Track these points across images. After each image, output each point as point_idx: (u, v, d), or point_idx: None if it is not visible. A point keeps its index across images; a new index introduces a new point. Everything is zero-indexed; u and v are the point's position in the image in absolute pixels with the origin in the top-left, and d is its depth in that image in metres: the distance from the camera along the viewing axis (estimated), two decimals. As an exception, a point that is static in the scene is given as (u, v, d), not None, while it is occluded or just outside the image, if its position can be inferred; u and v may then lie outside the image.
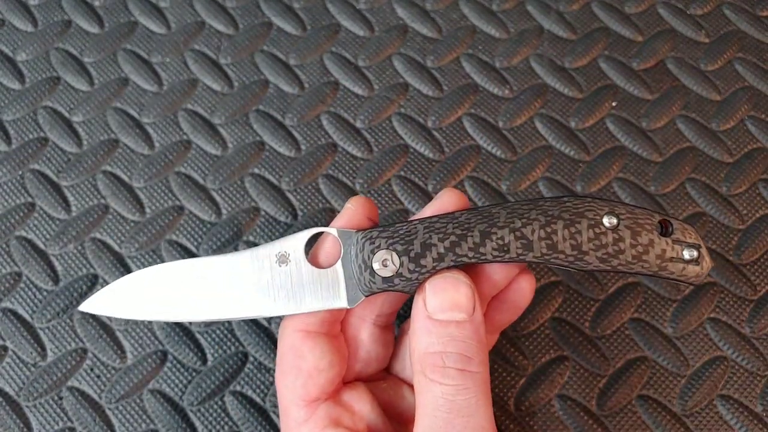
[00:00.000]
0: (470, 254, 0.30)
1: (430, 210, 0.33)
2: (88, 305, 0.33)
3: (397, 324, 0.38)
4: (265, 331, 0.40)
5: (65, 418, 0.39)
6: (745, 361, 0.40)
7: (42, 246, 0.42)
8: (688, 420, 0.39)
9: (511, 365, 0.40)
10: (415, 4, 0.49)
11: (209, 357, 0.40)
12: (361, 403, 0.33)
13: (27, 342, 0.40)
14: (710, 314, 0.41)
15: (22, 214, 0.43)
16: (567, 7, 0.49)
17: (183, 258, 0.42)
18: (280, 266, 0.32)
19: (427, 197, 0.44)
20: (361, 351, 0.34)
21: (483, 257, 0.30)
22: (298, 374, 0.32)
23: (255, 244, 0.42)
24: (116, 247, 0.42)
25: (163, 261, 0.42)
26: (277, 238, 0.37)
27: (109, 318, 0.40)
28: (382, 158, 0.45)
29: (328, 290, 0.32)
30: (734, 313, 0.41)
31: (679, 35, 0.48)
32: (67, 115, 0.45)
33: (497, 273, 0.33)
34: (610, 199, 0.31)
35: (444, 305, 0.30)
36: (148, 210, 0.43)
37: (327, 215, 0.43)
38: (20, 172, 0.44)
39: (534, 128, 0.46)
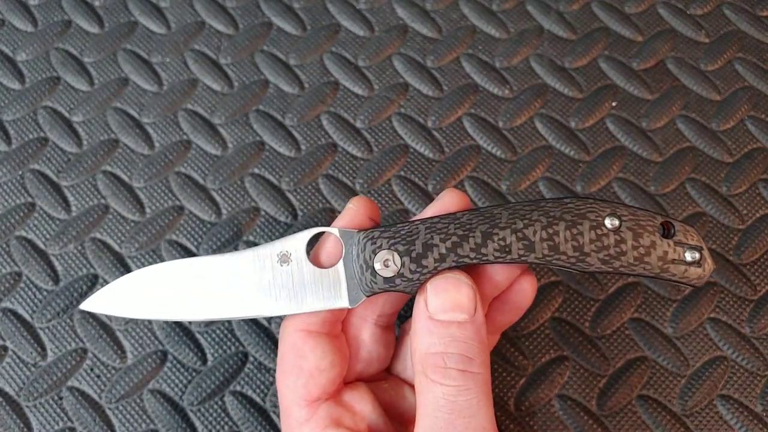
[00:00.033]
0: (472, 255, 0.30)
1: (431, 210, 0.33)
2: (89, 304, 0.33)
3: (397, 324, 0.38)
4: (265, 331, 0.40)
5: (65, 418, 0.39)
6: (745, 361, 0.40)
7: (42, 246, 0.42)
8: (688, 420, 0.39)
9: (511, 365, 0.40)
10: (415, 4, 0.49)
11: (209, 357, 0.40)
12: (362, 404, 0.33)
13: (27, 342, 0.40)
14: (710, 314, 0.41)
15: (22, 214, 0.43)
16: (567, 7, 0.49)
17: (183, 258, 0.42)
18: (281, 266, 0.32)
19: (427, 197, 0.44)
20: (363, 351, 0.34)
21: (484, 258, 0.30)
22: (300, 374, 0.32)
23: (255, 244, 0.42)
24: (116, 247, 0.42)
25: (163, 261, 0.42)
26: (278, 238, 0.37)
27: (109, 318, 0.40)
28: (382, 158, 0.45)
29: (329, 290, 0.32)
30: (734, 313, 0.41)
31: (679, 35, 0.48)
32: (67, 115, 0.45)
33: (499, 274, 0.33)
34: (612, 201, 0.31)
35: (445, 306, 0.30)
36: (148, 210, 0.43)
37: (327, 215, 0.43)
38: (20, 172, 0.44)
39: (534, 128, 0.46)
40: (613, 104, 0.46)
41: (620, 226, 0.30)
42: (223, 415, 0.39)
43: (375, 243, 0.31)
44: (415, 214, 0.43)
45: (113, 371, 0.40)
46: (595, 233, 0.30)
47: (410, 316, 0.32)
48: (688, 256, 0.30)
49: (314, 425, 0.31)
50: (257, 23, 0.48)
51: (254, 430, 0.39)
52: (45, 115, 0.45)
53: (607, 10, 0.49)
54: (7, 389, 0.39)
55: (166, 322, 0.40)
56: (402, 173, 0.44)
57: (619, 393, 0.40)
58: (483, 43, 0.48)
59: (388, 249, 0.31)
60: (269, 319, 0.41)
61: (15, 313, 0.41)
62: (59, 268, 0.42)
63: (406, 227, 0.31)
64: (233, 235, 0.42)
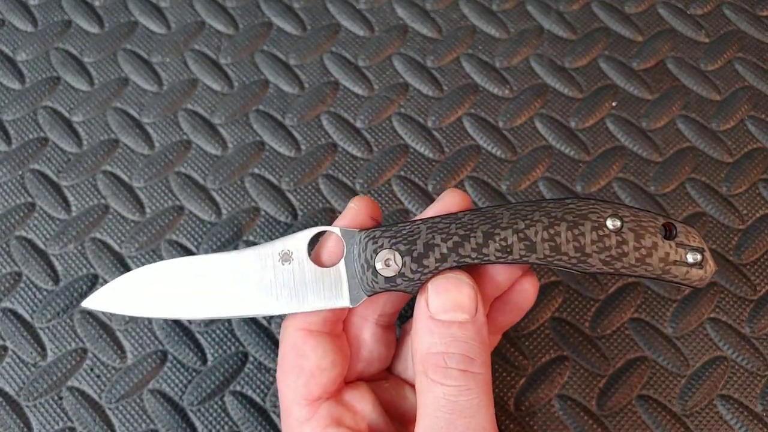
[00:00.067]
0: (473, 255, 0.30)
1: (433, 210, 0.33)
2: (91, 302, 0.33)
3: (398, 324, 0.38)
4: (265, 331, 0.40)
5: (65, 418, 0.39)
6: (745, 361, 0.40)
7: (42, 246, 0.42)
8: (688, 420, 0.39)
9: (511, 365, 0.40)
10: (415, 4, 0.49)
11: (209, 357, 0.40)
12: (362, 403, 0.33)
13: (27, 342, 0.40)
14: (710, 314, 0.41)
15: (22, 214, 0.43)
16: (567, 7, 0.49)
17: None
18: (283, 265, 0.32)
19: (427, 197, 0.44)
20: (363, 351, 0.34)
21: (486, 258, 0.30)
22: (300, 373, 0.32)
23: (255, 244, 0.42)
24: (116, 247, 0.42)
25: (163, 261, 0.42)
26: (278, 237, 0.37)
27: (109, 318, 0.40)
28: (382, 158, 0.45)
29: (330, 289, 0.32)
30: (734, 313, 0.41)
31: (679, 35, 0.48)
32: (67, 115, 0.45)
33: (500, 274, 0.33)
34: (613, 202, 0.31)
35: (446, 306, 0.30)
36: (148, 210, 0.43)
37: (327, 215, 0.43)
38: (20, 172, 0.44)
39: (534, 128, 0.46)
40: (613, 104, 0.46)
41: (622, 227, 0.30)
42: (223, 415, 0.39)
43: (376, 242, 0.31)
44: (415, 214, 0.43)
45: (113, 371, 0.40)
46: (597, 234, 0.30)
47: (411, 316, 0.32)
48: (690, 258, 0.30)
49: (315, 424, 0.31)
50: (257, 23, 0.48)
51: (254, 430, 0.39)
52: (45, 115, 0.45)
53: (607, 10, 0.49)
54: (7, 389, 0.39)
55: (166, 322, 0.40)
56: (402, 173, 0.44)
57: (619, 393, 0.39)
58: (483, 43, 0.48)
59: (390, 248, 0.31)
60: (269, 319, 0.41)
61: (15, 313, 0.41)
62: (59, 268, 0.42)
63: (408, 227, 0.31)
64: (233, 235, 0.42)
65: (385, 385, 0.35)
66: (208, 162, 0.44)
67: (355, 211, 0.33)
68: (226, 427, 0.39)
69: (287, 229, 0.43)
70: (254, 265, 0.32)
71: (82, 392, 0.39)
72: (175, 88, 0.46)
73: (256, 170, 0.44)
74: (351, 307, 0.32)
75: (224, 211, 0.43)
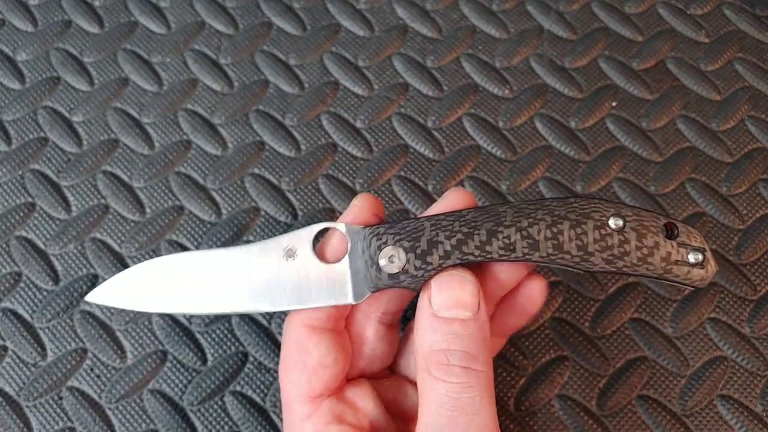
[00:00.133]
0: (476, 252, 0.30)
1: (437, 208, 0.33)
2: (94, 296, 0.33)
3: (402, 327, 0.37)
4: (265, 331, 0.40)
5: (65, 418, 0.39)
6: (745, 361, 0.40)
7: (42, 246, 0.42)
8: (688, 420, 0.39)
9: (511, 365, 0.40)
10: (415, 4, 0.49)
11: (209, 357, 0.40)
12: (364, 400, 0.33)
13: (27, 342, 0.40)
14: (710, 314, 0.41)
15: (22, 214, 0.43)
16: (567, 7, 0.49)
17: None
18: (287, 260, 0.32)
19: (427, 197, 0.44)
20: (366, 348, 0.34)
21: (489, 256, 0.30)
22: (303, 370, 0.32)
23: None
24: (116, 247, 0.42)
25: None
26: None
27: (109, 318, 0.40)
28: (382, 158, 0.45)
29: (334, 285, 0.32)
30: (734, 313, 0.41)
31: (679, 35, 0.48)
32: (67, 115, 0.45)
33: (504, 272, 0.33)
34: (616, 201, 0.31)
35: (449, 303, 0.30)
36: (148, 210, 0.43)
37: (327, 215, 0.43)
38: (20, 172, 0.44)
39: (534, 128, 0.46)
40: (613, 104, 0.46)
41: (624, 226, 0.30)
42: (223, 415, 0.39)
43: (380, 239, 0.31)
44: (415, 215, 0.43)
45: (113, 371, 0.40)
46: (599, 233, 0.30)
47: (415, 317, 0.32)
48: (691, 258, 0.30)
49: (316, 421, 0.31)
50: (257, 23, 0.48)
51: (254, 430, 0.39)
52: (45, 115, 0.45)
53: (607, 10, 0.49)
54: (7, 389, 0.39)
55: (166, 322, 0.40)
56: (402, 173, 0.44)
57: (619, 393, 0.39)
58: (483, 43, 0.48)
59: (394, 245, 0.31)
60: (269, 319, 0.41)
61: (15, 313, 0.41)
62: (59, 268, 0.42)
63: (412, 224, 0.31)
64: (233, 235, 0.42)
65: (387, 383, 0.35)
66: (208, 162, 0.44)
67: (359, 208, 0.33)
68: (226, 427, 0.39)
69: (287, 229, 0.43)
70: (258, 260, 0.32)
71: (82, 392, 0.39)
72: (175, 88, 0.46)
73: (256, 170, 0.44)
74: (354, 303, 0.32)
75: (224, 211, 0.43)
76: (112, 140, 0.45)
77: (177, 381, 0.39)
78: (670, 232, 0.30)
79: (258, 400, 0.39)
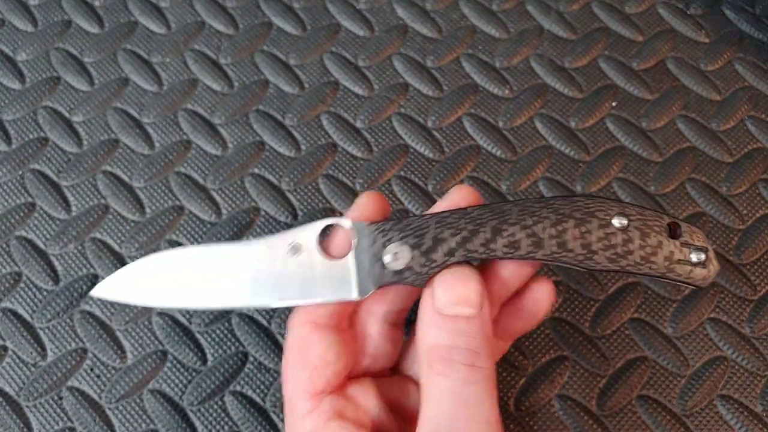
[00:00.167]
0: (481, 250, 0.30)
1: (442, 206, 0.33)
2: (99, 290, 0.34)
3: (406, 329, 0.37)
4: (265, 331, 0.40)
5: (65, 418, 0.39)
6: (745, 361, 0.40)
7: (42, 246, 0.42)
8: (688, 420, 0.39)
9: (511, 365, 0.40)
10: (415, 4, 0.49)
11: (209, 357, 0.40)
12: (366, 397, 0.33)
13: (27, 342, 0.40)
14: (710, 314, 0.41)
15: (22, 214, 0.43)
16: (567, 7, 0.49)
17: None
18: (292, 256, 0.32)
19: (428, 197, 0.44)
20: (370, 347, 0.34)
21: (493, 253, 0.30)
22: (305, 366, 0.32)
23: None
24: (116, 247, 0.42)
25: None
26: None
27: (109, 318, 0.40)
28: (382, 158, 0.45)
29: (339, 281, 0.32)
30: (734, 313, 0.41)
31: (679, 35, 0.48)
32: (67, 115, 0.45)
33: (508, 271, 0.33)
34: (621, 201, 0.31)
35: (453, 300, 0.30)
36: (148, 210, 0.43)
37: (327, 215, 0.43)
38: (20, 172, 0.44)
39: (534, 128, 0.46)
40: (613, 104, 0.46)
41: (628, 225, 0.30)
42: (223, 415, 0.39)
43: (386, 235, 0.31)
44: (415, 215, 0.43)
45: (113, 371, 0.40)
46: (603, 232, 0.30)
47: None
48: (694, 257, 0.30)
49: (317, 417, 0.31)
50: (257, 23, 0.48)
51: (254, 430, 0.39)
52: (45, 115, 0.45)
53: (607, 10, 0.49)
54: (7, 389, 0.39)
55: (166, 322, 0.40)
56: (402, 173, 0.44)
57: (619, 393, 0.39)
58: (483, 43, 0.48)
59: (399, 242, 0.31)
60: (269, 319, 0.41)
61: (15, 313, 0.41)
62: (59, 268, 0.42)
63: (417, 221, 0.31)
64: (233, 235, 0.42)
65: (389, 382, 0.35)
66: (208, 162, 0.44)
67: (364, 205, 0.33)
68: (226, 427, 0.39)
69: (287, 229, 0.43)
70: (263, 256, 0.32)
71: (82, 392, 0.39)
72: (175, 88, 0.46)
73: (256, 170, 0.44)
74: (359, 299, 0.32)
75: (224, 211, 0.43)
76: (112, 140, 0.45)
77: (177, 381, 0.39)
78: (673, 232, 0.31)
79: (258, 400, 0.39)
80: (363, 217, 0.33)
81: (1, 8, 0.48)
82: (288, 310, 0.41)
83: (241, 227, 0.43)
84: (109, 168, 0.44)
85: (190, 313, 0.40)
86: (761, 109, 0.46)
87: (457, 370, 0.29)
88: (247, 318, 0.41)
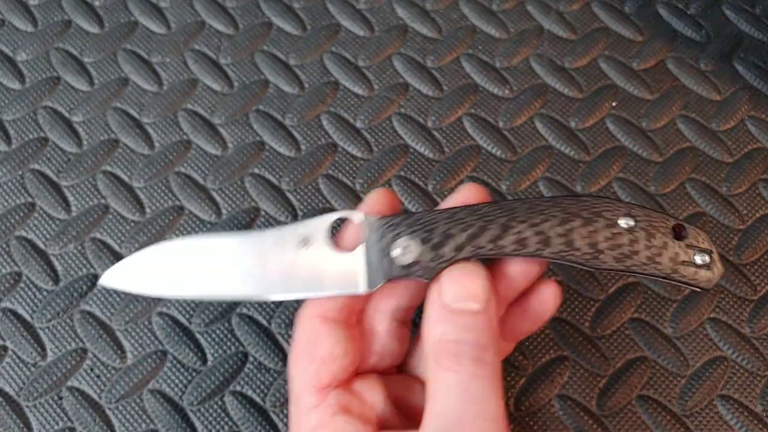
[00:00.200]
0: (489, 246, 0.31)
1: (451, 203, 0.33)
2: (107, 279, 0.34)
3: (413, 329, 0.37)
4: (265, 331, 0.40)
5: (65, 418, 0.39)
6: (745, 361, 0.40)
7: (42, 246, 0.42)
8: (688, 420, 0.39)
9: (511, 365, 0.40)
10: (415, 4, 0.49)
11: (209, 357, 0.40)
12: (372, 393, 0.33)
13: (27, 342, 0.40)
14: (710, 314, 0.41)
15: (22, 214, 0.43)
16: (567, 7, 0.49)
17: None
18: (302, 248, 0.32)
19: (428, 197, 0.44)
20: (377, 344, 0.34)
21: (502, 250, 0.31)
22: (312, 359, 0.32)
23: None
24: (116, 247, 0.42)
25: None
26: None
27: (109, 318, 0.40)
28: (382, 158, 0.45)
29: (348, 274, 0.32)
30: (734, 313, 0.41)
31: (679, 35, 0.48)
32: (67, 115, 0.45)
33: (515, 270, 0.33)
34: (627, 202, 0.32)
35: (460, 295, 0.30)
36: (148, 210, 0.43)
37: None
38: (20, 172, 0.44)
39: (534, 128, 0.46)
40: (613, 104, 0.46)
41: (635, 226, 0.31)
42: (223, 415, 0.39)
43: (396, 229, 0.31)
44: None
45: (113, 371, 0.40)
46: (610, 232, 0.31)
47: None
48: (698, 259, 0.31)
49: (323, 411, 0.31)
50: (257, 23, 0.48)
51: (254, 430, 0.39)
52: (45, 115, 0.45)
53: (607, 10, 0.49)
54: (7, 389, 0.39)
55: (166, 322, 0.40)
56: (402, 173, 0.44)
57: (619, 393, 0.39)
58: (483, 43, 0.48)
59: (408, 236, 0.31)
60: (269, 319, 0.41)
61: (15, 313, 0.41)
62: (59, 268, 0.42)
63: (427, 216, 0.32)
64: (233, 235, 0.42)
65: (395, 380, 0.35)
66: (208, 162, 0.44)
67: (375, 200, 0.34)
68: (226, 427, 0.39)
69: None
70: (273, 247, 0.32)
71: (82, 392, 0.39)
72: (175, 88, 0.46)
73: (256, 170, 0.44)
74: (368, 291, 0.32)
75: (224, 211, 0.43)
76: (112, 140, 0.45)
77: (177, 381, 0.39)
78: (678, 234, 0.31)
79: (258, 400, 0.39)
80: (373, 211, 0.33)
81: (1, 8, 0.48)
82: (288, 311, 0.41)
83: (241, 227, 0.43)
84: (109, 168, 0.44)
85: (190, 313, 0.40)
86: (761, 109, 0.46)
87: (464, 365, 0.29)
88: (247, 318, 0.41)
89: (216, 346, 0.40)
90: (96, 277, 0.41)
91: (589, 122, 0.46)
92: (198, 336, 0.40)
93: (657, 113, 0.46)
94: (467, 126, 0.46)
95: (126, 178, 0.44)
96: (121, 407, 0.39)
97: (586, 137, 0.45)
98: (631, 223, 0.31)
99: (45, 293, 0.41)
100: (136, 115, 0.46)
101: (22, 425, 0.38)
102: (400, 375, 0.36)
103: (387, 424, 0.33)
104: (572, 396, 0.40)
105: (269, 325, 0.41)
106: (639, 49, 0.48)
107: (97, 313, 0.41)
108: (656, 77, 0.47)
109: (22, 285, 0.41)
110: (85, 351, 0.40)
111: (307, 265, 0.32)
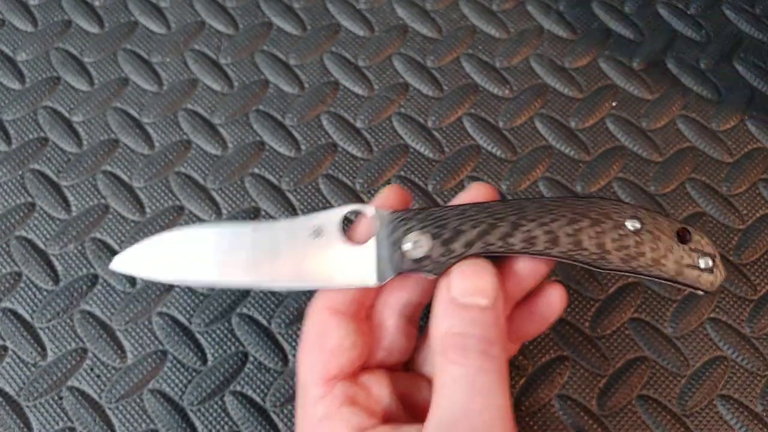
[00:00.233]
0: (499, 243, 0.31)
1: (460, 200, 0.34)
2: (118, 263, 0.34)
3: (422, 327, 0.37)
4: (265, 331, 0.40)
5: (65, 418, 0.39)
6: (745, 361, 0.40)
7: (42, 246, 0.42)
8: (688, 420, 0.39)
9: (511, 365, 0.40)
10: (415, 4, 0.49)
11: (209, 357, 0.40)
12: (379, 387, 0.33)
13: (27, 342, 0.40)
14: (710, 314, 0.41)
15: (22, 214, 0.43)
16: (567, 7, 0.49)
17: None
18: (314, 239, 0.32)
19: (428, 197, 0.44)
20: (385, 339, 0.34)
21: (511, 247, 0.31)
22: (321, 351, 0.32)
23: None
24: (116, 247, 0.42)
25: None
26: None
27: (109, 318, 0.40)
28: (382, 158, 0.45)
29: (359, 267, 0.32)
30: (734, 313, 0.41)
31: (679, 35, 0.48)
32: (67, 115, 0.45)
33: (523, 268, 0.33)
34: (635, 204, 0.32)
35: (469, 290, 0.30)
36: (148, 210, 0.43)
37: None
38: (20, 172, 0.44)
39: (534, 128, 0.46)
40: (613, 104, 0.46)
41: (641, 228, 0.31)
42: (223, 415, 0.39)
43: (407, 224, 0.32)
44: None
45: (113, 371, 0.40)
46: (617, 233, 0.31)
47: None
48: (702, 263, 0.31)
49: (329, 402, 0.31)
50: (257, 23, 0.48)
51: (254, 430, 0.39)
52: (45, 115, 0.45)
53: (607, 10, 0.49)
54: (7, 389, 0.39)
55: (166, 322, 0.40)
56: (402, 173, 0.44)
57: (619, 393, 0.40)
58: (483, 43, 0.48)
59: (420, 230, 0.31)
60: (269, 319, 0.41)
61: (15, 313, 0.41)
62: (59, 268, 0.42)
63: (439, 211, 0.32)
64: (233, 235, 0.42)
65: (402, 376, 0.35)
66: (208, 162, 0.44)
67: (387, 195, 0.34)
68: (226, 427, 0.39)
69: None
70: (285, 237, 0.33)
71: (82, 392, 0.39)
72: (175, 88, 0.46)
73: (256, 170, 0.44)
74: (378, 284, 0.32)
75: (224, 211, 0.43)
76: (112, 140, 0.45)
77: (177, 381, 0.39)
78: (682, 237, 0.32)
79: (258, 400, 0.39)
80: (386, 206, 0.33)
81: (1, 8, 0.48)
82: (288, 310, 0.41)
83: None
84: (109, 168, 0.44)
85: (190, 313, 0.41)
86: (761, 109, 0.46)
87: (470, 358, 0.29)
88: (247, 318, 0.41)
89: (216, 346, 0.40)
90: (96, 277, 0.41)
91: (589, 122, 0.46)
92: (198, 336, 0.40)
93: (657, 113, 0.46)
94: (467, 126, 0.46)
95: (126, 178, 0.44)
96: (121, 407, 0.39)
97: (586, 137, 0.45)
98: (638, 225, 0.31)
99: (45, 293, 0.41)
100: (136, 115, 0.46)
101: (22, 425, 0.38)
102: (406, 372, 0.36)
103: (392, 418, 0.33)
104: (572, 396, 0.40)
105: (269, 325, 0.41)
106: (639, 48, 0.48)
107: (97, 313, 0.41)
108: (656, 77, 0.47)
109: (22, 285, 0.41)
110: (85, 351, 0.40)
111: (319, 256, 0.32)
